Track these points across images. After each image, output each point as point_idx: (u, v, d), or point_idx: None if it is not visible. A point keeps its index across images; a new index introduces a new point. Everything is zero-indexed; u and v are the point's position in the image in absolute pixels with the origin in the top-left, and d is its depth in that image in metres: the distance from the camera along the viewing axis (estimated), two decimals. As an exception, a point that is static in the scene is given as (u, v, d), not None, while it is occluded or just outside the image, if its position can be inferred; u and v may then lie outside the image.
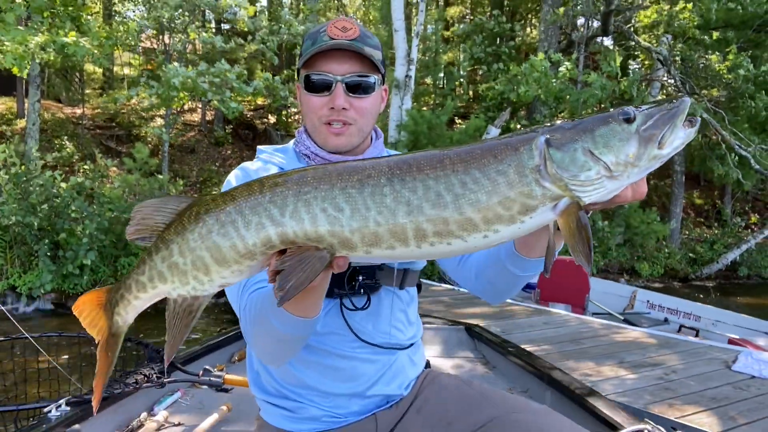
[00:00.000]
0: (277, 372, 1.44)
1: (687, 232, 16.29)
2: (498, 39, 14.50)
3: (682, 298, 8.43)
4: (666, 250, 14.46)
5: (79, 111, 15.56)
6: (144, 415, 2.64)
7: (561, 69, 9.70)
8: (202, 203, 0.96)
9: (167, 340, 1.03)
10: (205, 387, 2.95)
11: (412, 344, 1.53)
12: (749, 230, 15.93)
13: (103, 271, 9.68)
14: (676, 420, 3.01)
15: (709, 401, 3.33)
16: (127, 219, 9.19)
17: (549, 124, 0.85)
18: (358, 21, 1.41)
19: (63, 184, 9.48)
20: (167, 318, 1.01)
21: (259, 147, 1.52)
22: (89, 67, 17.96)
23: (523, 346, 4.45)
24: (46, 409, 2.22)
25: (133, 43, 11.79)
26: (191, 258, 0.94)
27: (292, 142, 1.50)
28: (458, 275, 1.45)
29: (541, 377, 3.27)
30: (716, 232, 16.33)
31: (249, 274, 0.96)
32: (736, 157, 11.10)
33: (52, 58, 8.34)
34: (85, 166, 11.12)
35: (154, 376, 2.64)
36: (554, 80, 9.48)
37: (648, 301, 8.34)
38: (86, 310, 1.12)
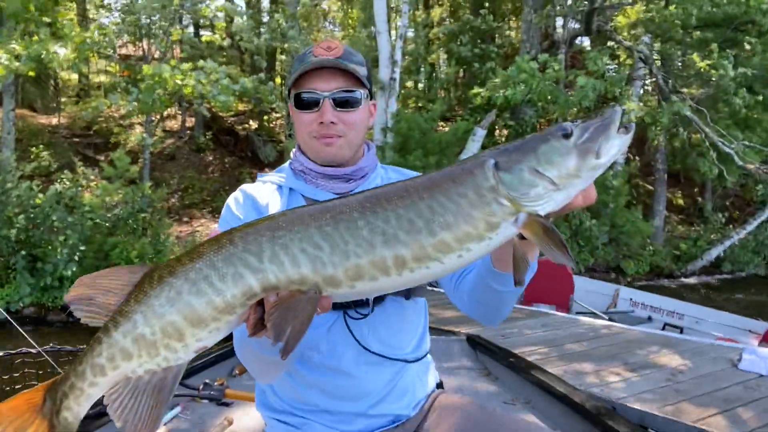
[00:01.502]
0: (282, 391, 1.45)
1: (670, 230, 16.44)
2: (481, 39, 14.47)
3: (665, 296, 8.47)
4: (650, 248, 14.57)
5: (54, 119, 15.19)
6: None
7: (548, 70, 9.67)
8: (164, 267, 0.90)
9: (134, 427, 0.88)
10: (205, 401, 2.93)
11: (420, 359, 1.51)
12: (731, 226, 16.13)
13: (84, 283, 9.40)
14: (692, 424, 2.93)
15: (722, 402, 3.27)
16: (108, 228, 8.93)
17: (496, 148, 0.90)
18: (343, 41, 1.44)
19: (41, 195, 9.19)
20: (123, 406, 0.89)
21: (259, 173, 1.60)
22: (64, 74, 17.58)
23: (523, 350, 4.38)
24: None
25: (110, 50, 11.54)
26: (160, 325, 0.88)
27: (288, 161, 1.55)
28: (455, 300, 1.47)
29: (544, 388, 3.20)
30: (698, 228, 16.51)
31: (227, 331, 0.93)
32: (715, 154, 11.20)
33: (25, 70, 8.07)
34: (63, 176, 10.82)
35: None
36: (542, 82, 9.45)
37: (631, 299, 8.37)
38: (8, 421, 0.91)
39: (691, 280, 14.27)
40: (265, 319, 0.87)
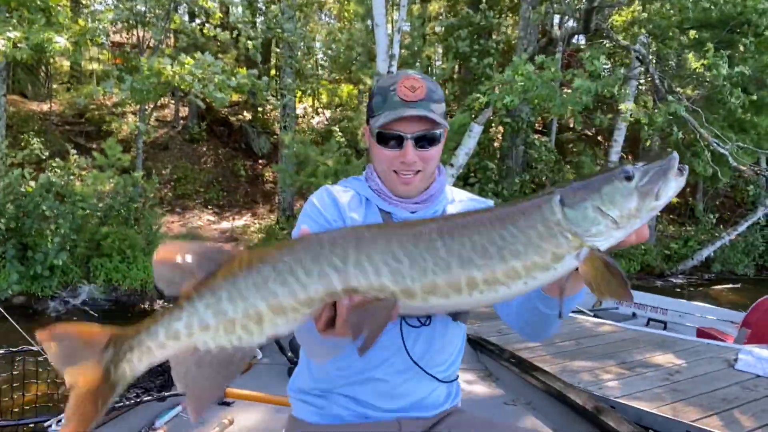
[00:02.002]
0: (317, 375, 1.52)
1: (662, 229, 16.53)
2: (477, 35, 14.42)
3: (649, 293, 8.55)
4: (642, 247, 14.63)
5: (46, 106, 15.00)
6: (145, 429, 2.62)
7: (545, 72, 9.64)
8: (255, 253, 0.96)
9: (194, 395, 0.93)
10: None
11: (452, 381, 1.58)
12: (721, 227, 16.25)
13: (74, 272, 9.31)
14: (691, 423, 2.94)
15: (720, 402, 3.28)
16: (100, 217, 8.81)
17: (562, 184, 0.96)
18: (423, 75, 1.47)
19: (32, 183, 9.05)
20: (188, 373, 0.93)
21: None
22: (56, 61, 17.36)
23: (520, 347, 4.38)
24: (46, 424, 2.21)
25: (104, 37, 11.37)
26: (243, 306, 0.93)
27: (363, 174, 1.63)
28: (504, 317, 1.54)
29: (545, 389, 3.20)
30: (690, 229, 16.62)
31: (300, 324, 0.97)
32: (710, 154, 11.25)
33: (25, 56, 7.93)
34: (54, 163, 10.68)
35: (155, 389, 2.59)
36: (539, 85, 9.41)
37: None
38: (68, 341, 0.93)
39: (682, 280, 14.38)
40: (344, 319, 0.94)
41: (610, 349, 4.51)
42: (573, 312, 7.12)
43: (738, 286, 14.18)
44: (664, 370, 3.95)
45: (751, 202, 16.30)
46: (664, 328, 6.98)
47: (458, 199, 1.58)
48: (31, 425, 2.34)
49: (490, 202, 1.54)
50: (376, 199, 1.51)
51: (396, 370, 1.45)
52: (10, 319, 2.78)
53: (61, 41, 8.43)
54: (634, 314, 7.87)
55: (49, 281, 9.00)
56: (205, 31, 11.97)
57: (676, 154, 0.98)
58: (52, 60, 13.32)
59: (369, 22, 14.99)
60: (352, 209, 1.49)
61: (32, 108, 15.03)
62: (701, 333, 6.03)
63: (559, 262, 0.94)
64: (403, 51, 12.59)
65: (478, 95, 10.43)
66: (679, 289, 12.80)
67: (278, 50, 14.60)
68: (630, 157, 17.25)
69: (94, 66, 17.39)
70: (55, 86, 16.61)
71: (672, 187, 0.97)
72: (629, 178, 0.93)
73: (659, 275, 14.55)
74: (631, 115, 11.13)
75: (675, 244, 15.29)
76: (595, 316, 6.63)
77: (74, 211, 9.05)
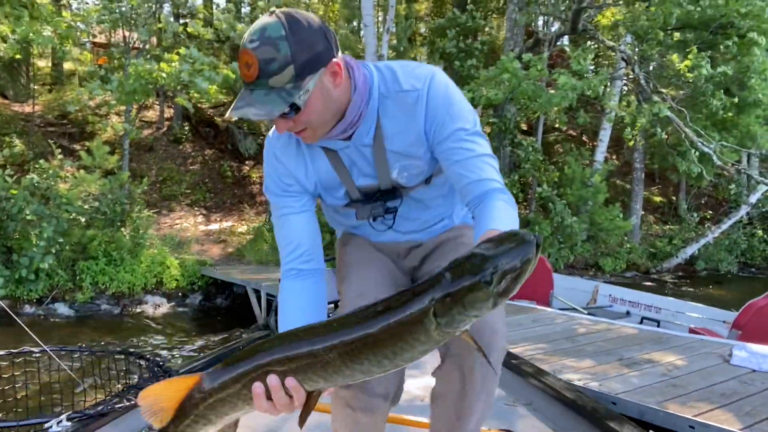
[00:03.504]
0: None
1: (646, 228, 16.74)
2: (463, 36, 14.47)
3: (643, 292, 8.65)
4: (627, 245, 14.82)
5: (28, 107, 14.76)
6: (144, 430, 2.57)
7: (531, 70, 9.71)
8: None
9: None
10: None
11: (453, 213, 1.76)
12: (705, 225, 16.50)
13: (60, 276, 9.16)
14: (694, 419, 2.97)
15: (720, 397, 3.31)
16: (86, 220, 8.64)
17: (435, 288, 1.06)
18: (261, 36, 1.26)
19: (15, 186, 8.88)
20: None
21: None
22: (37, 62, 17.08)
23: (517, 346, 4.39)
24: (46, 425, 2.21)
25: (87, 37, 11.20)
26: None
27: None
28: None
29: (545, 390, 3.20)
30: (674, 227, 16.85)
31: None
32: (697, 153, 11.42)
33: (14, 53, 7.80)
34: (37, 165, 10.49)
35: None
36: (525, 82, 9.49)
37: (610, 295, 8.55)
38: (152, 402, 1.13)
39: (667, 278, 14.56)
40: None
41: (607, 347, 4.54)
42: (567, 310, 7.17)
43: (721, 283, 14.41)
44: (661, 366, 3.99)
45: (733, 201, 16.57)
46: (658, 326, 7.04)
47: (391, 105, 1.45)
48: (31, 426, 2.34)
49: (421, 79, 1.43)
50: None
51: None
52: (19, 321, 2.73)
53: (48, 33, 8.30)
54: (628, 312, 7.95)
55: (35, 285, 8.85)
56: (189, 29, 11.83)
57: (533, 245, 1.07)
58: (34, 59, 13.09)
59: (354, 23, 15.00)
60: (299, 165, 1.52)
61: (14, 109, 14.78)
62: (693, 332, 6.10)
63: (435, 346, 1.13)
64: (390, 52, 12.59)
65: (463, 91, 10.46)
66: (663, 287, 12.96)
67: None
68: (614, 157, 17.45)
69: (77, 67, 17.12)
70: (36, 87, 16.34)
71: (521, 283, 1.09)
72: (488, 284, 1.03)
73: (644, 273, 14.73)
74: (616, 115, 11.25)
75: (660, 243, 15.49)
76: (589, 314, 6.68)
77: (59, 215, 8.90)
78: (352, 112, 1.40)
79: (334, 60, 1.31)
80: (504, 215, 1.32)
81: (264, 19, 1.27)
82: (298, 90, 1.27)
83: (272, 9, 1.29)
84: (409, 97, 1.43)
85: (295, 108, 1.30)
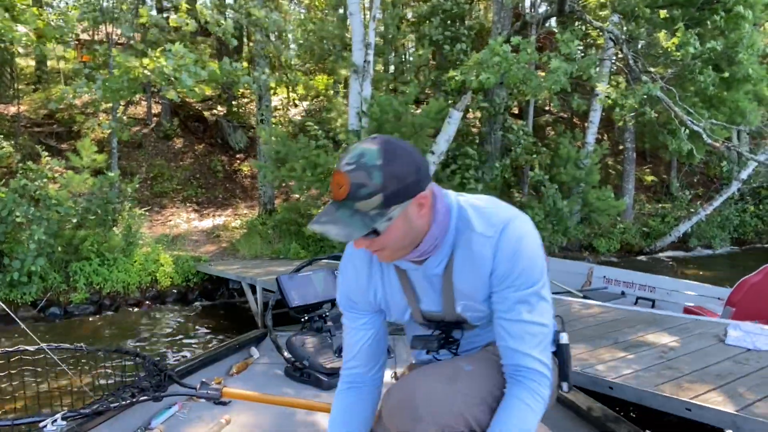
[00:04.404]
0: None
1: (639, 207, 16.80)
2: (451, 21, 14.35)
3: (637, 271, 8.68)
4: (621, 226, 14.88)
5: (13, 108, 14.59)
6: (141, 429, 2.61)
7: (522, 54, 9.65)
8: None
9: None
10: (203, 400, 2.89)
11: None
12: (698, 203, 16.57)
13: (53, 278, 9.11)
14: (690, 401, 2.98)
15: (716, 378, 3.33)
16: (78, 223, 8.59)
17: None
18: (357, 161, 1.32)
19: (3, 188, 8.80)
20: None
21: None
22: (20, 61, 16.87)
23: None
24: (41, 424, 2.23)
25: (72, 34, 11.04)
26: None
27: None
28: None
29: None
30: (666, 206, 16.92)
31: None
32: (688, 131, 11.42)
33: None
34: (24, 167, 10.39)
35: (151, 389, 2.59)
36: (515, 65, 9.43)
37: (604, 276, 8.59)
38: None
39: (660, 256, 14.65)
40: None
41: (602, 330, 4.56)
42: (561, 294, 7.20)
43: (715, 259, 14.51)
44: (657, 348, 4.01)
45: (725, 178, 16.64)
46: (652, 306, 7.08)
47: (465, 243, 1.48)
48: (27, 425, 2.35)
49: (502, 217, 1.46)
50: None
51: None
52: (19, 321, 2.73)
53: (22, 29, 8.18)
54: (623, 293, 7.98)
55: (29, 288, 8.79)
56: (171, 21, 11.64)
57: None
58: (16, 58, 12.90)
59: (341, 11, 14.85)
60: (372, 280, 1.61)
61: (-1, 110, 14.61)
62: (687, 311, 6.14)
63: None
64: (377, 39, 12.50)
65: (454, 74, 10.40)
66: (658, 266, 13.03)
67: (251, 43, 14.38)
68: (606, 137, 17.45)
69: (61, 65, 16.91)
70: (20, 87, 16.15)
71: None
72: None
73: (638, 252, 14.81)
74: (606, 96, 11.22)
75: (653, 221, 15.55)
76: (584, 297, 6.70)
77: (49, 217, 8.83)
78: (428, 242, 1.45)
79: (422, 193, 1.37)
80: (515, 423, 1.41)
81: (365, 144, 1.34)
82: (382, 217, 1.32)
83: (374, 135, 1.37)
84: (481, 242, 1.46)
85: (375, 232, 1.35)
